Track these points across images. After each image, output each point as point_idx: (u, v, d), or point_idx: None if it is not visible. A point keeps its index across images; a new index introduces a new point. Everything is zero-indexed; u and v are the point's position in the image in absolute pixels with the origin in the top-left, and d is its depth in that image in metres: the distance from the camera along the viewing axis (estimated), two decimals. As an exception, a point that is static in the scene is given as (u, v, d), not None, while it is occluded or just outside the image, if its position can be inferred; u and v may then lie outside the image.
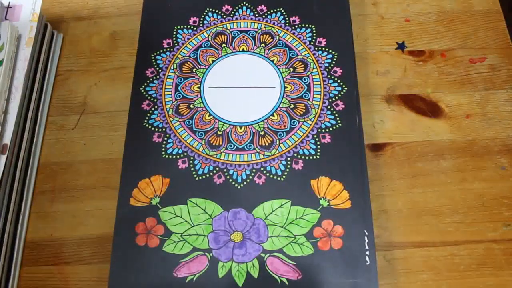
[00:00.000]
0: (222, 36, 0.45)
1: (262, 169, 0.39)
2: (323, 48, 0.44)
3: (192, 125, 0.41)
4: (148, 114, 0.41)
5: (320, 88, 0.42)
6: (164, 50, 0.44)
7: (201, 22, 0.45)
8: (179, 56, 0.44)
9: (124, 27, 0.49)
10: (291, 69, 0.43)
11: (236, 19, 0.46)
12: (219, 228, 0.37)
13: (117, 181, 0.39)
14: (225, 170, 0.39)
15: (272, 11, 0.46)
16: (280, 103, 0.41)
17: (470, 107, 0.44)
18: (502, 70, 0.45)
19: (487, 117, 0.43)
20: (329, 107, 0.41)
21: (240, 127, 0.40)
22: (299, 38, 0.44)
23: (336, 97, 0.41)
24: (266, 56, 0.43)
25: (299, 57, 0.43)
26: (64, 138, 0.44)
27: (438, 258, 0.38)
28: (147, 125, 0.41)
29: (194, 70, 0.43)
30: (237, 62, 0.43)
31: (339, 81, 0.42)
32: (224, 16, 0.46)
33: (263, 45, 0.44)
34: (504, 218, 0.39)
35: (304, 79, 0.42)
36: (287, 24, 0.45)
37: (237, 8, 0.46)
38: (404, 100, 0.44)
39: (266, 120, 0.41)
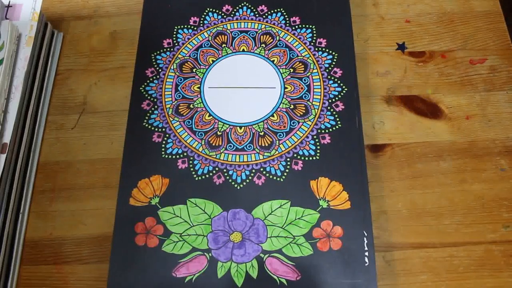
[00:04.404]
0: (222, 36, 0.45)
1: (261, 169, 0.39)
2: (323, 49, 0.44)
3: (192, 125, 0.41)
4: (148, 114, 0.41)
5: (320, 88, 0.42)
6: (164, 50, 0.44)
7: (201, 22, 0.45)
8: (179, 56, 0.44)
9: (124, 27, 0.49)
10: (291, 70, 0.43)
11: (237, 19, 0.45)
12: (218, 228, 0.37)
13: (116, 180, 0.39)
14: (224, 170, 0.39)
15: (272, 11, 0.46)
16: (280, 104, 0.41)
17: (470, 108, 0.44)
18: (502, 72, 0.45)
19: (487, 119, 0.43)
20: (329, 107, 0.41)
21: (240, 127, 0.40)
22: (300, 38, 0.44)
23: (336, 98, 0.41)
24: (266, 56, 0.43)
25: (299, 57, 0.43)
26: (63, 137, 0.44)
27: (437, 259, 0.38)
28: (147, 125, 0.41)
29: (194, 70, 0.43)
30: (237, 62, 0.43)
31: (339, 81, 0.42)
32: (225, 16, 0.46)
33: (263, 45, 0.44)
34: (503, 220, 0.39)
35: (304, 80, 0.42)
36: (288, 25, 0.45)
37: (237, 8, 0.46)
38: (404, 101, 0.44)
39: (266, 121, 0.41)
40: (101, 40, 0.48)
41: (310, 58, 0.43)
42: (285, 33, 0.45)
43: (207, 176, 0.39)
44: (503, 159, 0.42)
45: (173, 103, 0.42)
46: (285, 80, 0.42)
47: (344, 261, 0.36)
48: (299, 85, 0.42)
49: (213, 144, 0.40)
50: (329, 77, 0.42)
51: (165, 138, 0.40)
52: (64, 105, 0.45)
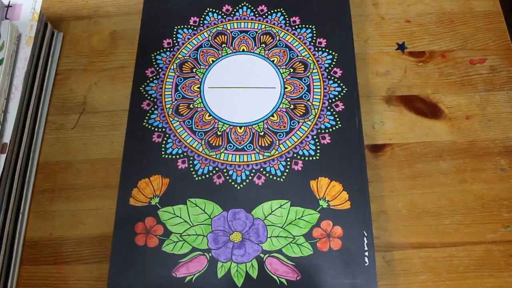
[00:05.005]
0: (222, 36, 0.45)
1: (261, 169, 0.39)
2: (323, 49, 0.44)
3: (192, 125, 0.41)
4: (148, 114, 0.41)
5: (320, 88, 0.42)
6: (164, 50, 0.44)
7: (201, 22, 0.45)
8: (179, 56, 0.44)
9: (124, 27, 0.49)
10: (291, 70, 0.43)
11: (237, 19, 0.45)
12: (218, 228, 0.37)
13: (116, 180, 0.39)
14: (224, 170, 0.39)
15: (272, 11, 0.46)
16: (280, 104, 0.41)
17: (470, 108, 0.44)
18: (502, 72, 0.45)
19: (487, 118, 0.43)
20: (329, 107, 0.41)
21: (240, 127, 0.40)
22: (299, 38, 0.44)
23: (336, 98, 0.41)
24: (266, 56, 0.43)
25: (299, 57, 0.43)
26: (63, 137, 0.44)
27: (437, 259, 0.38)
28: (147, 125, 0.41)
29: (194, 70, 0.43)
30: (237, 62, 0.43)
31: (339, 81, 0.42)
32: (225, 16, 0.46)
33: (263, 45, 0.44)
34: (503, 220, 0.39)
35: (304, 80, 0.42)
36: (288, 25, 0.45)
37: (237, 8, 0.46)
38: (404, 101, 0.44)
39: (266, 121, 0.41)
40: (101, 40, 0.48)
41: (310, 58, 0.43)
42: (285, 33, 0.45)
43: (207, 176, 0.39)
44: (503, 159, 0.42)
45: (173, 103, 0.42)
46: (285, 80, 0.42)
47: (344, 261, 0.36)
48: (299, 85, 0.42)
49: (213, 144, 0.40)
50: (329, 77, 0.42)
51: (165, 138, 0.40)
52: (64, 105, 0.45)
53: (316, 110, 0.41)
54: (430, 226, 0.39)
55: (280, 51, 0.44)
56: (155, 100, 0.42)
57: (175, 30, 0.45)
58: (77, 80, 0.46)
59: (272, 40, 0.44)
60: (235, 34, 0.45)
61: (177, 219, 0.37)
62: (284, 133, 0.40)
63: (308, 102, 0.41)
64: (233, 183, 0.38)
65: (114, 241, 0.37)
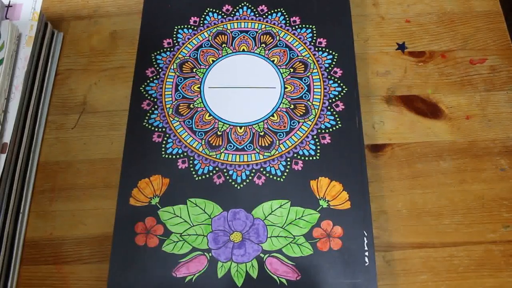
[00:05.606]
0: (223, 36, 0.45)
1: (261, 169, 0.39)
2: (324, 49, 0.44)
3: (192, 125, 0.41)
4: (148, 114, 0.41)
5: (320, 88, 0.42)
6: (164, 49, 0.44)
7: (201, 22, 0.45)
8: (179, 56, 0.44)
9: (124, 27, 0.49)
10: (291, 70, 0.43)
11: (237, 19, 0.45)
12: (218, 228, 0.37)
13: (116, 180, 0.39)
14: (224, 170, 0.39)
15: (272, 11, 0.46)
16: (280, 104, 0.41)
17: (470, 108, 0.44)
18: (502, 71, 0.45)
19: (487, 118, 0.43)
20: (329, 107, 0.41)
21: (240, 127, 0.40)
22: (300, 38, 0.44)
23: (336, 98, 0.41)
24: (266, 56, 0.43)
25: (299, 57, 0.43)
26: (63, 137, 0.44)
27: (437, 259, 0.38)
28: (147, 125, 0.41)
29: (194, 70, 0.43)
30: (237, 62, 0.43)
31: (339, 81, 0.42)
32: (225, 16, 0.46)
33: (264, 45, 0.44)
34: (503, 219, 0.39)
35: (304, 80, 0.42)
36: (288, 25, 0.45)
37: (237, 8, 0.46)
38: (404, 101, 0.44)
39: (266, 121, 0.41)
40: (101, 40, 0.48)
41: (310, 58, 0.43)
42: (285, 33, 0.45)
43: (207, 176, 0.39)
44: (503, 159, 0.42)
45: (173, 103, 0.42)
46: (285, 80, 0.42)
47: (344, 261, 0.36)
48: (299, 85, 0.42)
49: (213, 144, 0.40)
50: (329, 77, 0.42)
51: (165, 138, 0.40)
52: (64, 105, 0.45)
53: (316, 110, 0.41)
54: (430, 226, 0.39)
55: (280, 51, 0.44)
56: (155, 100, 0.42)
57: (175, 30, 0.45)
58: (77, 80, 0.46)
59: (272, 40, 0.44)
60: (235, 34, 0.45)
61: (177, 219, 0.37)
62: (284, 133, 0.40)
63: (308, 102, 0.41)
64: (233, 183, 0.38)
65: (114, 241, 0.37)
